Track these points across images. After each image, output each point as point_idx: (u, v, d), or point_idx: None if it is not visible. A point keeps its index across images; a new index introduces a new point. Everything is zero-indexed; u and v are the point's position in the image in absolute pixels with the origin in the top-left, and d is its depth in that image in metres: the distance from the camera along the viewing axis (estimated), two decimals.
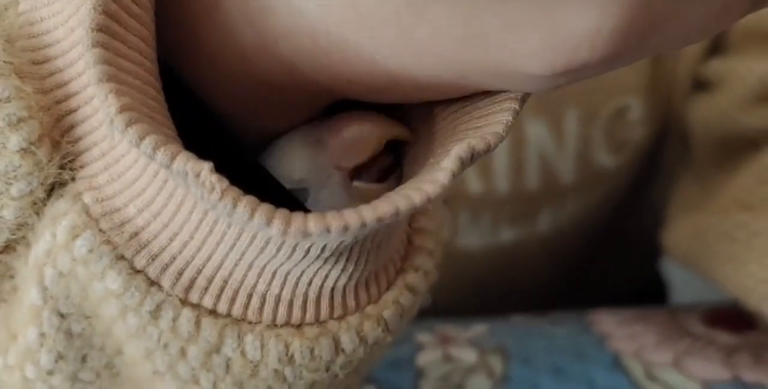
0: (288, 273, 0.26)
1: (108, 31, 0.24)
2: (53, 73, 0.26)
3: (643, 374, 0.48)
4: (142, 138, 0.23)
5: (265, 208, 0.23)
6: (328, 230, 0.23)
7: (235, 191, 0.23)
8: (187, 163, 0.23)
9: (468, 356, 0.50)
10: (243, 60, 0.26)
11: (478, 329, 0.52)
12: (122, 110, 0.23)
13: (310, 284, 0.27)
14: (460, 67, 0.24)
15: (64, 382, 0.29)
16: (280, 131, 0.28)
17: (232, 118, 0.27)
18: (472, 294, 0.61)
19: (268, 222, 0.23)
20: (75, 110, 0.26)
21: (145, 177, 0.25)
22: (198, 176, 0.23)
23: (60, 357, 0.28)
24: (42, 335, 0.28)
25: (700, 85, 0.55)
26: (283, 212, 0.23)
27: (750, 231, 0.48)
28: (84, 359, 0.29)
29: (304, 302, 0.27)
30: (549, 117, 0.54)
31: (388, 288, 0.29)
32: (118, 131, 0.23)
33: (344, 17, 0.23)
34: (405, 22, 0.23)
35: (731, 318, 0.51)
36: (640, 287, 0.70)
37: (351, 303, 0.28)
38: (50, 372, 0.29)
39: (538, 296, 0.63)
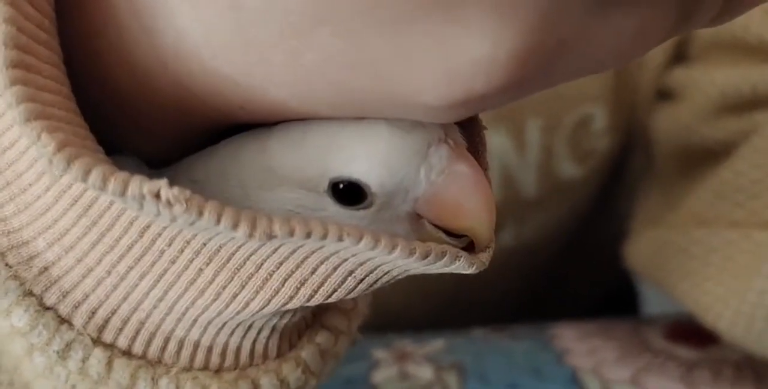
0: (209, 323, 0.26)
1: (22, 65, 0.23)
2: None
3: None
4: (87, 173, 0.22)
5: (229, 211, 0.22)
6: (291, 234, 0.22)
7: (198, 198, 0.22)
8: (142, 186, 0.22)
9: (424, 373, 0.49)
10: (134, 80, 0.25)
11: (436, 344, 0.52)
12: (60, 147, 0.22)
13: (231, 334, 0.26)
14: (354, 96, 0.22)
15: None
16: (174, 154, 0.27)
17: (129, 138, 0.26)
18: (434, 307, 0.60)
19: (234, 226, 0.22)
20: None
21: (58, 207, 0.24)
22: (157, 195, 0.22)
23: None
24: None
25: (664, 94, 0.54)
26: (248, 215, 0.22)
27: (707, 248, 0.47)
28: None
29: (224, 350, 0.26)
30: (510, 126, 0.53)
31: (306, 329, 0.28)
32: (59, 170, 0.22)
33: (229, 40, 0.22)
34: (291, 46, 0.21)
35: (693, 332, 0.50)
36: (606, 298, 0.69)
37: (272, 353, 0.27)
38: None
39: (502, 308, 0.62)
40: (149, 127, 0.26)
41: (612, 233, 0.60)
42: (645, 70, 0.54)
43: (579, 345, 0.51)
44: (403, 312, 0.58)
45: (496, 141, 0.53)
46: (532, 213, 0.57)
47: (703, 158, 0.50)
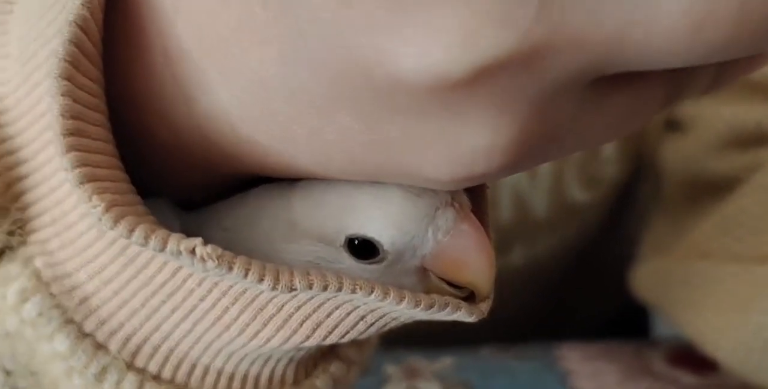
0: (233, 353, 0.28)
1: (77, 132, 0.25)
2: (4, 140, 0.27)
3: None
4: (131, 231, 0.25)
5: (256, 266, 0.25)
6: (310, 287, 0.25)
7: (228, 255, 0.25)
8: (179, 244, 0.24)
9: None
10: (170, 137, 0.27)
11: (445, 361, 0.53)
12: (108, 208, 0.25)
13: (252, 363, 0.28)
14: (368, 168, 0.25)
15: None
16: (201, 195, 0.29)
17: (162, 181, 0.29)
18: (444, 323, 0.61)
19: (260, 279, 0.25)
20: (25, 177, 0.27)
21: (99, 245, 0.26)
22: (192, 252, 0.24)
23: None
24: None
25: (672, 125, 0.55)
26: (272, 269, 0.25)
27: (708, 279, 0.48)
28: None
29: (245, 376, 0.28)
30: None
31: (321, 359, 0.30)
32: (107, 227, 0.25)
33: (257, 112, 0.24)
34: (313, 124, 0.24)
35: (695, 358, 0.51)
36: (614, 319, 0.70)
37: (289, 380, 0.29)
38: None
39: (510, 326, 0.63)
40: (182, 176, 0.29)
41: (620, 257, 0.61)
42: None
43: (583, 366, 0.52)
44: (413, 326, 0.60)
45: None
46: (542, 235, 0.59)
47: (708, 190, 0.51)
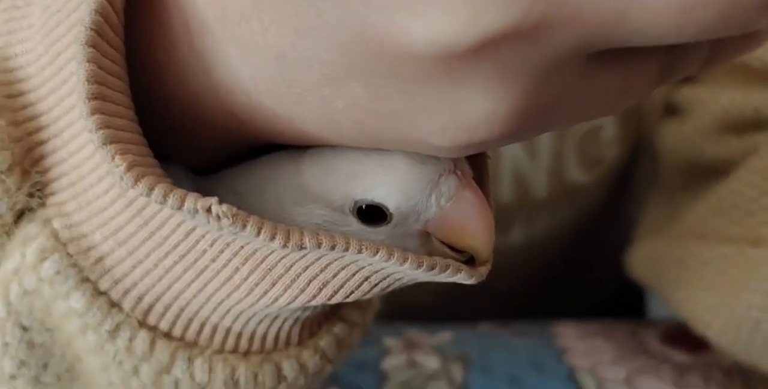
0: (241, 313, 0.29)
1: (100, 97, 0.26)
2: (26, 106, 0.28)
3: None
4: (151, 189, 0.26)
5: (268, 225, 0.26)
6: (319, 246, 0.26)
7: (242, 214, 0.26)
8: (197, 202, 0.26)
9: (431, 362, 0.52)
10: (189, 105, 0.28)
11: (444, 336, 0.54)
12: (129, 167, 0.26)
13: (259, 323, 0.29)
14: (375, 135, 0.26)
15: (27, 384, 0.31)
16: (214, 162, 0.31)
17: (178, 148, 0.30)
18: (444, 299, 0.62)
19: (272, 237, 0.26)
20: (45, 142, 0.28)
21: (115, 207, 0.28)
22: (208, 210, 0.26)
23: (22, 364, 0.31)
24: (5, 345, 0.30)
25: (671, 110, 0.56)
26: (283, 229, 0.26)
27: (702, 260, 0.49)
28: (45, 366, 0.31)
29: (252, 336, 0.30)
30: None
31: (325, 321, 0.31)
32: (128, 186, 0.26)
33: (273, 82, 0.26)
34: (324, 93, 0.25)
35: (688, 337, 0.52)
36: (611, 302, 0.71)
37: (294, 340, 0.30)
38: (13, 377, 0.31)
39: (509, 303, 0.64)
40: (197, 141, 0.30)
41: (618, 237, 0.62)
42: None
43: (579, 344, 0.53)
44: (414, 301, 0.61)
45: (509, 146, 0.56)
46: (542, 215, 0.60)
47: (705, 174, 0.52)
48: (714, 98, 0.51)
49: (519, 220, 0.60)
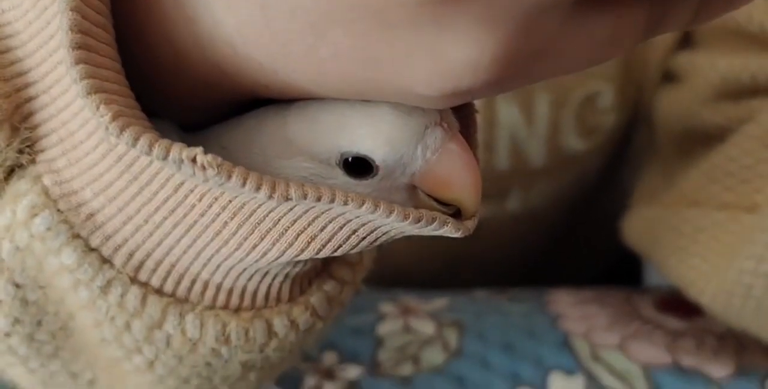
0: (231, 268, 0.29)
1: (85, 46, 0.26)
2: (14, 62, 0.28)
3: (588, 354, 0.50)
4: (137, 139, 0.26)
5: (253, 176, 0.26)
6: (304, 197, 0.26)
7: (227, 164, 0.26)
8: (182, 152, 0.26)
9: (426, 328, 0.52)
10: (174, 59, 0.28)
11: (439, 302, 0.54)
12: (114, 117, 0.26)
13: (250, 279, 0.29)
14: (360, 85, 0.26)
15: (22, 342, 0.32)
16: (202, 119, 0.31)
17: (166, 105, 0.30)
18: (441, 267, 0.63)
19: (257, 188, 0.26)
20: (34, 98, 0.28)
21: (105, 163, 0.28)
22: (194, 160, 0.26)
23: (16, 321, 0.31)
24: None
25: (669, 76, 0.56)
26: (269, 179, 0.26)
27: (696, 227, 0.49)
28: (39, 323, 0.31)
29: (242, 292, 0.30)
30: (520, 100, 0.56)
31: (316, 278, 0.31)
32: (114, 136, 0.26)
33: (257, 33, 0.26)
34: (309, 42, 0.25)
35: (681, 303, 0.52)
36: (607, 268, 0.72)
37: (285, 296, 0.30)
38: (8, 334, 0.31)
39: (505, 271, 0.65)
40: (184, 97, 0.30)
41: (614, 206, 0.62)
42: (653, 51, 0.56)
43: (573, 310, 0.53)
44: (411, 269, 0.61)
45: (506, 113, 0.56)
46: (539, 182, 0.60)
47: (700, 141, 0.52)
48: (711, 65, 0.51)
49: (516, 188, 0.60)
